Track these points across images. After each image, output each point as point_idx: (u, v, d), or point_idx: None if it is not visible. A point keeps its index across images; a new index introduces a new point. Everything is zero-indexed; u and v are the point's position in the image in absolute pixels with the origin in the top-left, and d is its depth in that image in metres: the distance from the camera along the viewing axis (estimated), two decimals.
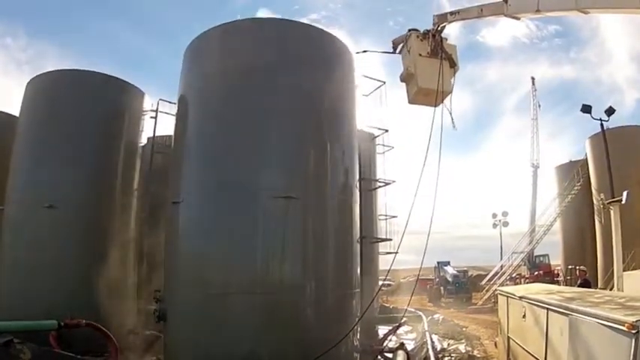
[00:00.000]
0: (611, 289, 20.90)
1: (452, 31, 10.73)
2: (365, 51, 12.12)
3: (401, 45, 10.77)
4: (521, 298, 10.45)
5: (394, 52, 10.94)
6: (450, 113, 10.53)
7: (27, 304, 12.94)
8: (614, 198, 20.35)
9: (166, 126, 16.25)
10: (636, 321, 5.19)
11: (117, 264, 14.98)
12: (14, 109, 16.73)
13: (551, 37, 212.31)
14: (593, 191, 34.13)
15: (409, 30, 10.63)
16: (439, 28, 10.48)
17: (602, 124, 30.57)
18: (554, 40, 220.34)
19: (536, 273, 38.89)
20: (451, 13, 10.48)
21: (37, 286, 13.33)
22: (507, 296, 12.10)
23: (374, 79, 14.16)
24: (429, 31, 10.49)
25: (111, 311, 14.07)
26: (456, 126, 10.60)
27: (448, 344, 19.46)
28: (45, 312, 12.05)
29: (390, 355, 13.47)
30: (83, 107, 14.34)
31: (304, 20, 12.35)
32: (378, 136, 15.64)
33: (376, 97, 14.26)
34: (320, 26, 12.74)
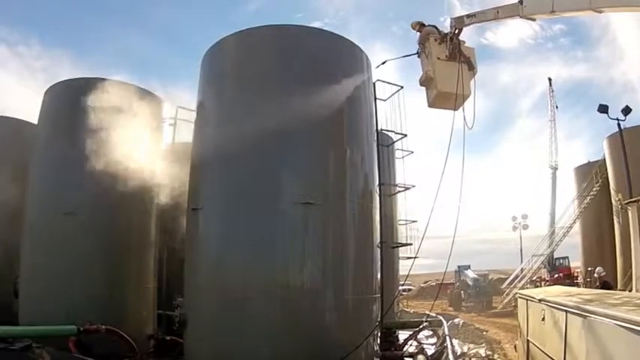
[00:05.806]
0: (629, 291, 20.71)
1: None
2: (384, 62, 12.22)
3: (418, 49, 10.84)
4: (540, 300, 10.41)
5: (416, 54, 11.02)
6: (464, 115, 10.56)
7: (46, 310, 13.04)
8: (632, 198, 20.20)
9: (185, 133, 16.39)
10: None
11: (136, 270, 15.11)
12: (31, 116, 17.03)
13: (556, 37, 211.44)
14: (612, 192, 33.78)
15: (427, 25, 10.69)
16: (456, 31, 10.50)
17: (619, 124, 30.47)
18: (560, 40, 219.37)
19: (556, 275, 38.56)
20: (467, 15, 10.52)
21: (57, 291, 13.42)
22: (526, 299, 12.05)
23: (392, 84, 14.09)
24: (447, 34, 10.52)
25: (131, 317, 14.19)
26: (468, 125, 10.58)
27: (468, 348, 19.38)
28: (64, 317, 12.26)
29: None
30: (101, 115, 14.41)
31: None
32: (396, 140, 15.59)
33: (394, 102, 14.17)
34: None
